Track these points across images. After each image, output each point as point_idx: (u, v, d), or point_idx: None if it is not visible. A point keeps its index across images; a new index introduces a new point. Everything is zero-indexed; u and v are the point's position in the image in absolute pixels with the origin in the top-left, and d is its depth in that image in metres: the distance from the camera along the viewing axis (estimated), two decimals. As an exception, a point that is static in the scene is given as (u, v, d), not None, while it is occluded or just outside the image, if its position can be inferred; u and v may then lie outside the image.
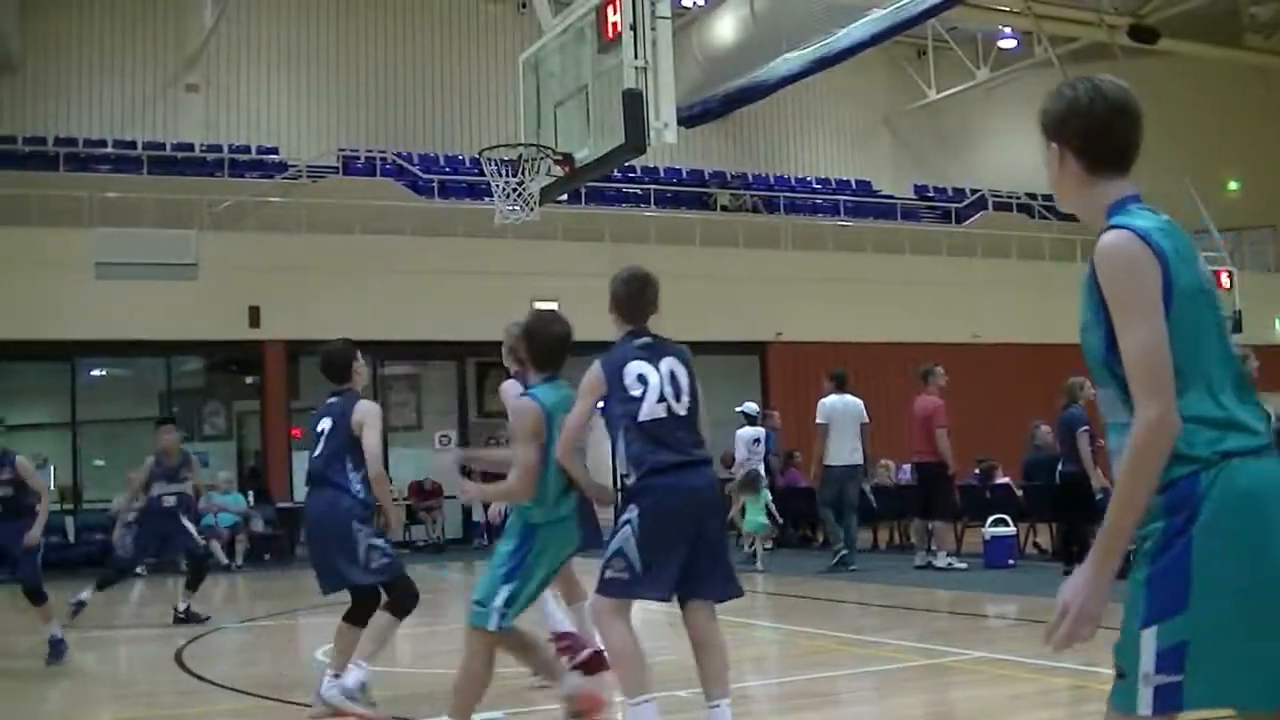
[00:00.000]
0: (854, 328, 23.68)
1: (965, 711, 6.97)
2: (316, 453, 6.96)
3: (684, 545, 5.40)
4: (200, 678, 8.61)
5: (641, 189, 26.05)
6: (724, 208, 26.73)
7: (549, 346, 5.86)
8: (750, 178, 28.82)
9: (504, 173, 13.04)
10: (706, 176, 28.20)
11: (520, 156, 12.96)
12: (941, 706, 7.14)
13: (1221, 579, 2.72)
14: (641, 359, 5.54)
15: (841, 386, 15.06)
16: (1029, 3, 25.78)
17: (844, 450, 14.74)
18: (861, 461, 15.02)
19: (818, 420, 15.02)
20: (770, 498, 16.27)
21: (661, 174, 27.50)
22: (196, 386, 22.26)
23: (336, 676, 6.70)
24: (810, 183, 29.91)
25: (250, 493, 19.81)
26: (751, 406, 18.10)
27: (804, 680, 7.69)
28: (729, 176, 28.37)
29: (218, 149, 24.13)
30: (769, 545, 16.34)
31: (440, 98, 27.26)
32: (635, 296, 5.77)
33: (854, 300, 24.01)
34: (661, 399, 5.48)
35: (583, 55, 12.01)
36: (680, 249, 23.18)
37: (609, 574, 5.42)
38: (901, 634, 9.53)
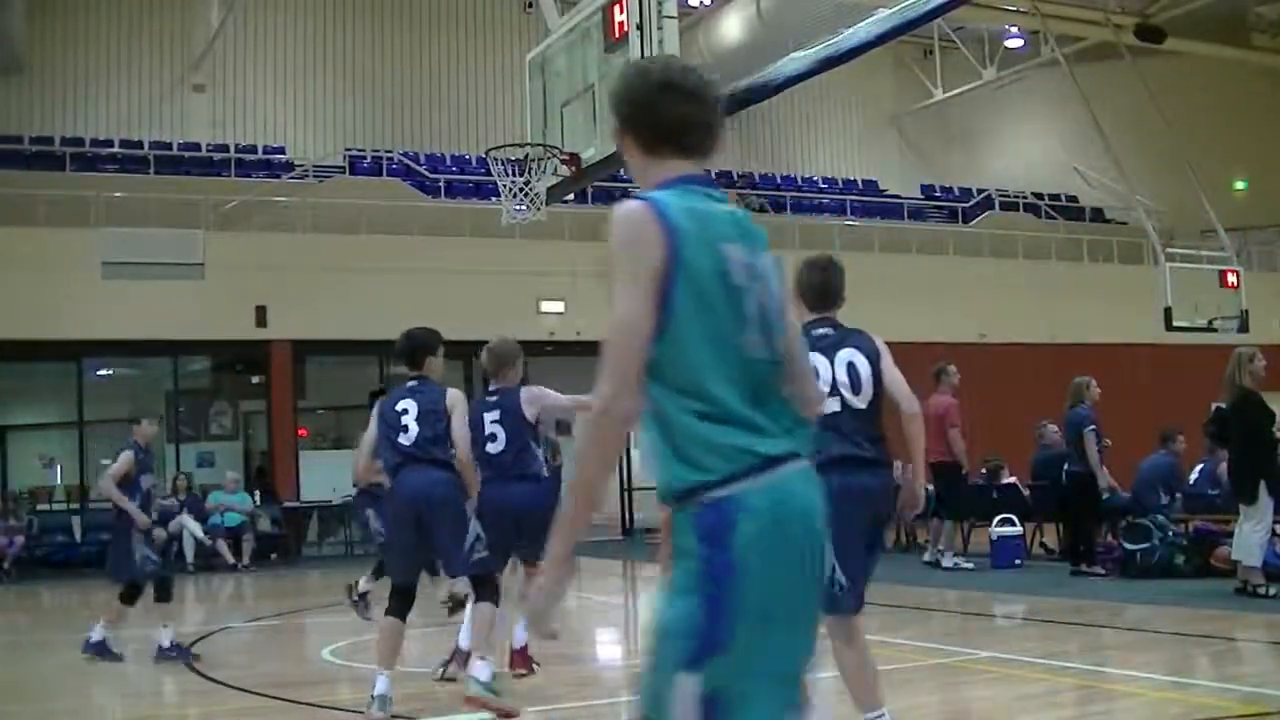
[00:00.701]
0: (860, 327, 23.62)
1: (973, 711, 6.96)
2: (413, 434, 6.88)
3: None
4: (208, 677, 8.62)
5: (648, 189, 25.96)
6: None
7: None
8: (757, 177, 28.80)
9: (510, 172, 13.04)
10: (713, 176, 28.11)
11: (527, 156, 12.97)
12: (949, 706, 7.13)
13: (757, 612, 2.51)
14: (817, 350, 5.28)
15: None
16: (1036, 2, 25.71)
17: None
18: None
19: None
20: None
21: (668, 174, 27.43)
22: (203, 386, 22.28)
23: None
24: (817, 182, 29.88)
25: (256, 492, 19.81)
26: None
27: (811, 680, 7.67)
28: (735, 176, 28.34)
29: (224, 149, 24.15)
30: None
31: (447, 97, 27.26)
32: (817, 285, 5.69)
33: (860, 300, 23.80)
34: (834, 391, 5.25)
35: (589, 55, 12.01)
36: (687, 249, 23.08)
37: None
38: (909, 634, 9.52)
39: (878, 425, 5.35)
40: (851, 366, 5.37)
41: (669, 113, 2.80)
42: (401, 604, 6.92)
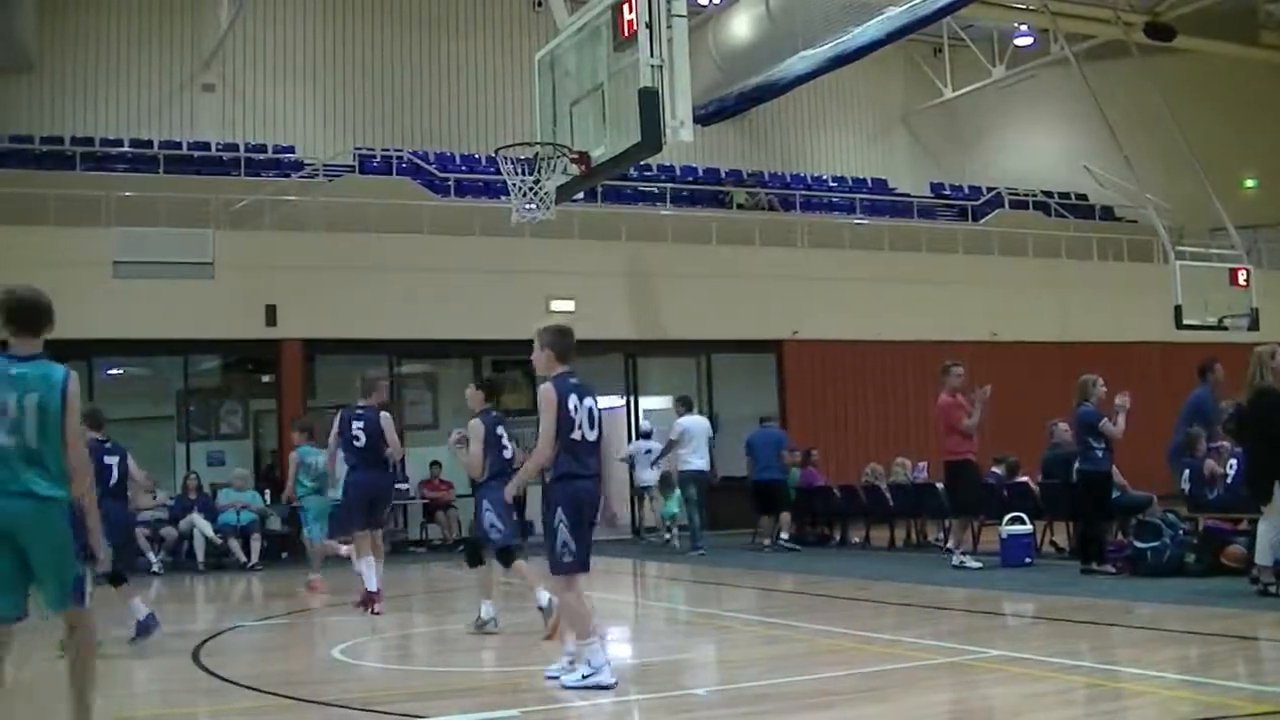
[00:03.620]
0: (870, 326, 23.66)
1: (984, 710, 6.95)
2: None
3: None
4: (218, 676, 8.63)
5: (658, 187, 26.01)
6: (740, 206, 26.70)
7: None
8: (766, 176, 28.78)
9: (520, 171, 13.05)
10: (723, 175, 28.17)
11: (537, 155, 12.97)
12: (960, 705, 7.12)
13: None
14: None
15: (689, 408, 18.86)
16: (1045, 0, 25.71)
17: (694, 459, 18.25)
18: (708, 469, 18.55)
19: (670, 436, 18.87)
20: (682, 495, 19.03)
21: (678, 172, 27.47)
22: (213, 385, 22.31)
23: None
24: (826, 181, 29.86)
25: (266, 491, 19.83)
26: (646, 425, 22.05)
27: (823, 679, 7.67)
28: (745, 175, 28.33)
29: (234, 148, 24.18)
30: (676, 530, 19.74)
31: (456, 96, 27.28)
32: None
33: (870, 298, 23.97)
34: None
35: (598, 53, 12.02)
36: (696, 247, 23.16)
37: None
38: (919, 632, 9.51)
39: None
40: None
41: None
42: None
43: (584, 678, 7.20)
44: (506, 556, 9.93)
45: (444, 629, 11.18)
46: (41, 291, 6.13)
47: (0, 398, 5.50)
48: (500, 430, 9.96)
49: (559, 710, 7.03)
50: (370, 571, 11.82)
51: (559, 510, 7.29)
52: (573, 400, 7.31)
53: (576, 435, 7.30)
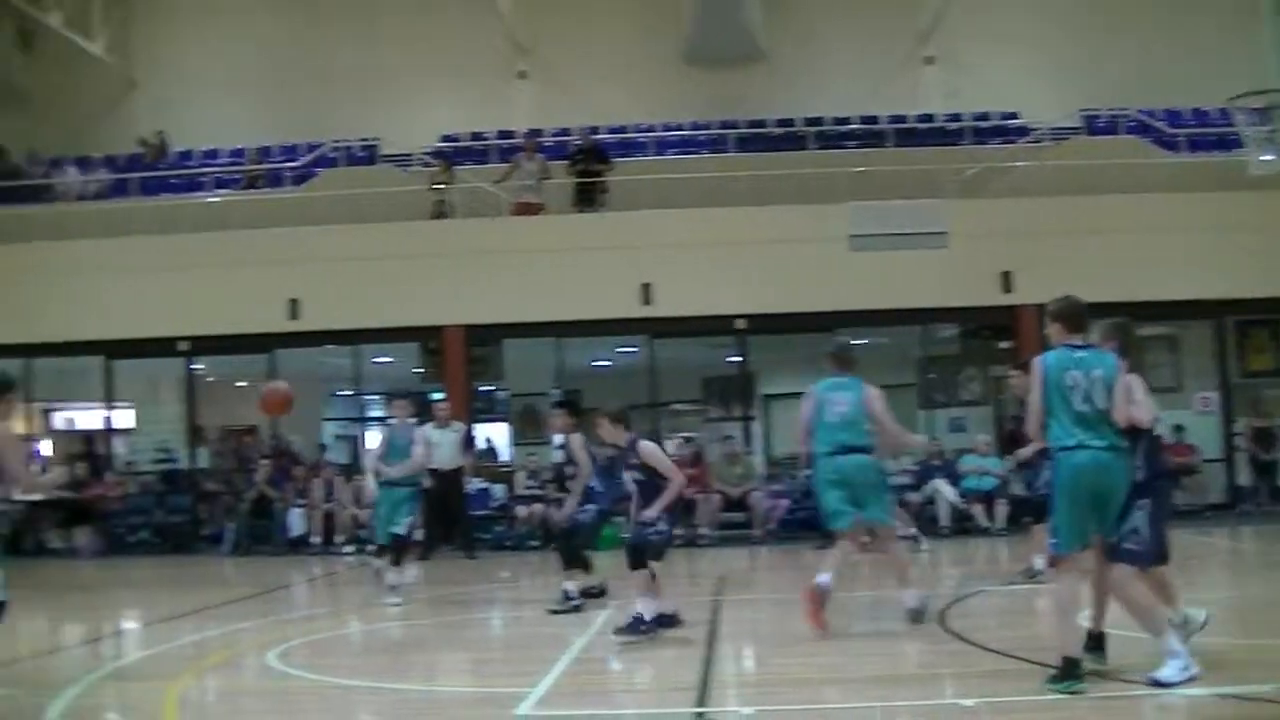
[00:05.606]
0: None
1: None
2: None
3: None
4: (962, 639, 8.71)
5: None
6: None
7: None
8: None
9: (1256, 122, 12.02)
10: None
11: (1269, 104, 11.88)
12: None
13: None
14: None
15: None
16: None
17: None
18: None
19: None
20: None
21: None
22: (951, 353, 22.57)
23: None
24: None
25: (1007, 456, 19.77)
26: None
27: None
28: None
29: (958, 118, 24.38)
30: None
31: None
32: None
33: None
34: None
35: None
36: None
37: None
38: None
39: None
40: None
41: None
42: None
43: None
44: None
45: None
46: (1078, 298, 7.39)
47: (1071, 382, 6.97)
48: None
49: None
50: None
51: None
52: None
53: None
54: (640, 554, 9.35)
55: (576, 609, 11.01)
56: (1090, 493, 6.90)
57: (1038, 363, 7.19)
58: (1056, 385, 7.03)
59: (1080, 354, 7.11)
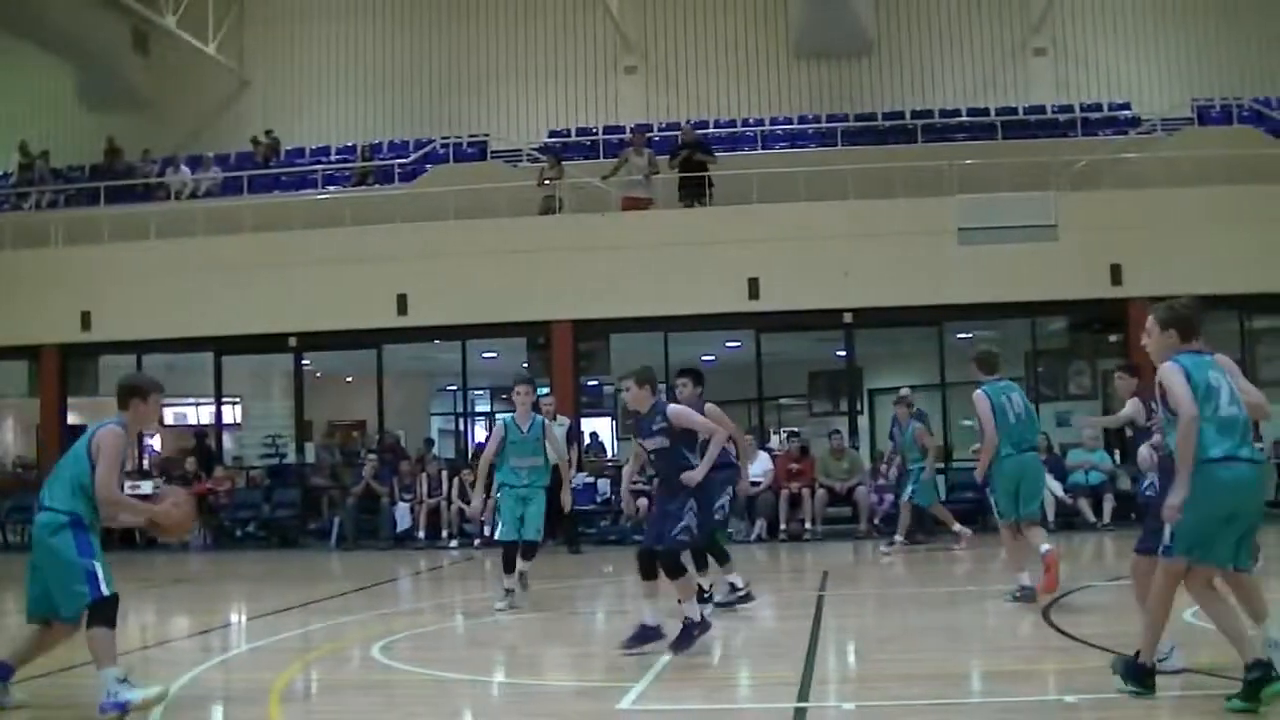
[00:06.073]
0: None
1: None
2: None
3: None
4: (1068, 634, 8.75)
5: None
6: None
7: None
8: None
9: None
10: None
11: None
12: None
13: None
14: None
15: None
16: None
17: None
18: None
19: None
20: None
21: None
22: (1060, 346, 22.37)
23: None
24: None
25: (1116, 451, 19.60)
26: None
27: None
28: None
29: (1068, 109, 24.15)
30: None
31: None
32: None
33: None
34: None
35: None
36: None
37: None
38: None
39: None
40: None
41: None
42: None
43: None
44: None
45: None
46: (1191, 300, 6.70)
47: (1214, 382, 6.38)
48: None
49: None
50: None
51: None
52: None
53: None
54: (675, 561, 8.50)
55: (746, 598, 10.72)
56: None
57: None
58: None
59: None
